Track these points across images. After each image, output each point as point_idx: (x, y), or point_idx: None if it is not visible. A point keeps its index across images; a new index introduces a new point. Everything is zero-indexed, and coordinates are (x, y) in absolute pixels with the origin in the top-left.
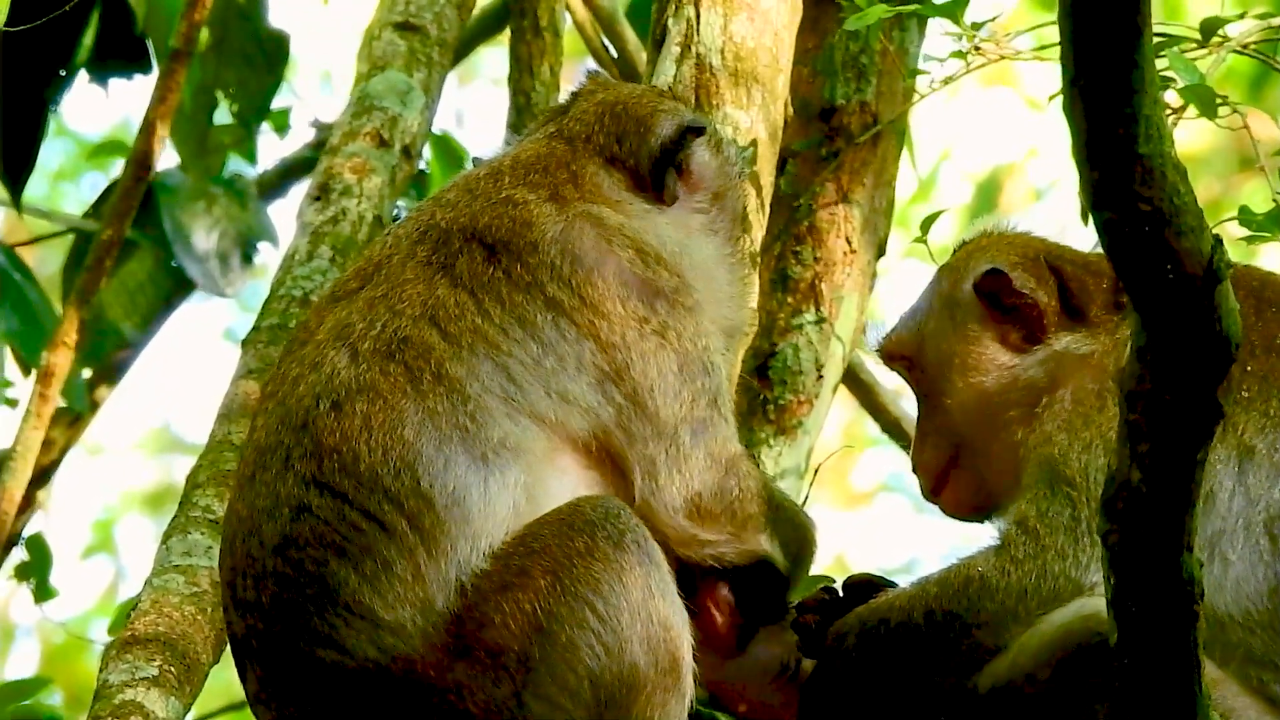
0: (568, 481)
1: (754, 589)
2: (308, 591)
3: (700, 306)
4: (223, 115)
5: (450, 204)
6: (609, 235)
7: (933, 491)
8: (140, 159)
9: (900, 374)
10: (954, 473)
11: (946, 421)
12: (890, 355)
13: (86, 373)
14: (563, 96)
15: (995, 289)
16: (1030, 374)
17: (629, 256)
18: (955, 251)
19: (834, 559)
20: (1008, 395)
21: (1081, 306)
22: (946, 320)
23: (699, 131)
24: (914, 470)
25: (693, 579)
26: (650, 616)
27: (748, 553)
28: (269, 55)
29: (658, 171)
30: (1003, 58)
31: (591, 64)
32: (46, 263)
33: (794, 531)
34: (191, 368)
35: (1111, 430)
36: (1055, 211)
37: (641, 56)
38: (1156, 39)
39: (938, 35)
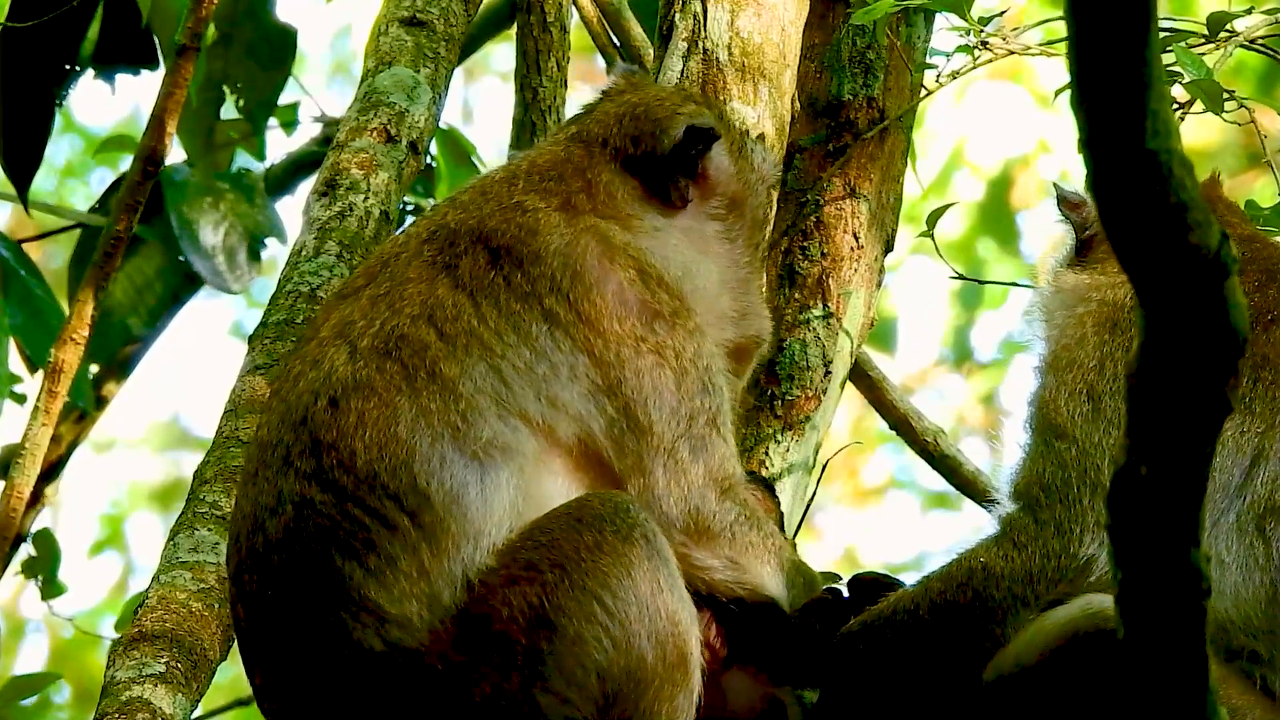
0: (560, 484)
1: (752, 630)
2: (313, 586)
3: (701, 330)
4: (230, 111)
5: (462, 205)
6: (612, 254)
7: None
8: (147, 154)
9: None
10: None
11: None
12: None
13: (94, 369)
14: (595, 93)
15: None
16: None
17: (629, 277)
18: None
19: (844, 554)
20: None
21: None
22: None
23: (711, 136)
24: None
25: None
26: (659, 611)
27: (747, 585)
28: (276, 50)
29: (665, 176)
30: (1010, 53)
31: (599, 60)
32: (53, 258)
33: (799, 579)
34: (199, 363)
35: (1094, 370)
36: None
37: (649, 52)
38: (1164, 33)
39: (945, 30)
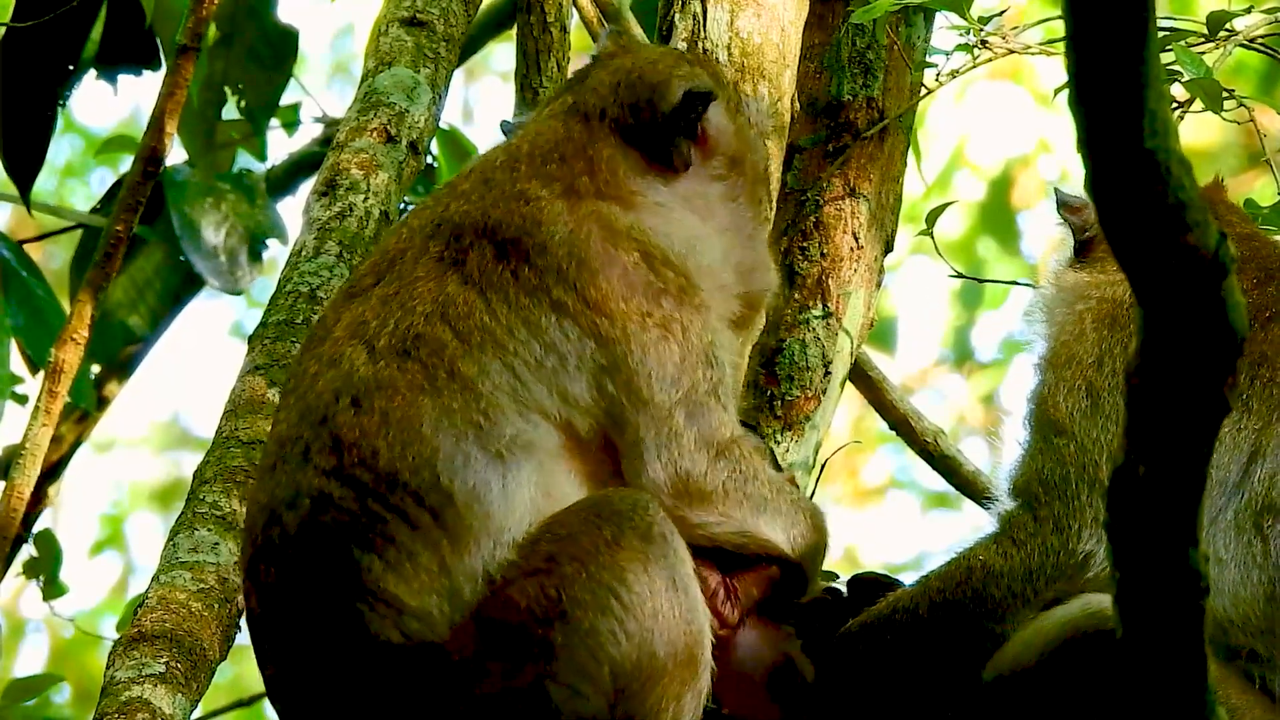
0: (580, 478)
1: (759, 579)
2: (330, 578)
3: (706, 305)
4: (231, 111)
5: (464, 195)
6: (616, 239)
7: None
8: (148, 155)
9: None
10: None
11: None
12: None
13: (95, 369)
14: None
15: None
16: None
17: (634, 260)
18: None
19: (844, 554)
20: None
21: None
22: None
23: (708, 97)
24: None
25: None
26: (672, 609)
27: (746, 534)
28: (277, 51)
29: (665, 142)
30: (1010, 52)
31: None
32: (54, 259)
33: (804, 520)
34: (199, 363)
35: (1093, 366)
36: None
37: None
38: (1163, 33)
39: (945, 30)
